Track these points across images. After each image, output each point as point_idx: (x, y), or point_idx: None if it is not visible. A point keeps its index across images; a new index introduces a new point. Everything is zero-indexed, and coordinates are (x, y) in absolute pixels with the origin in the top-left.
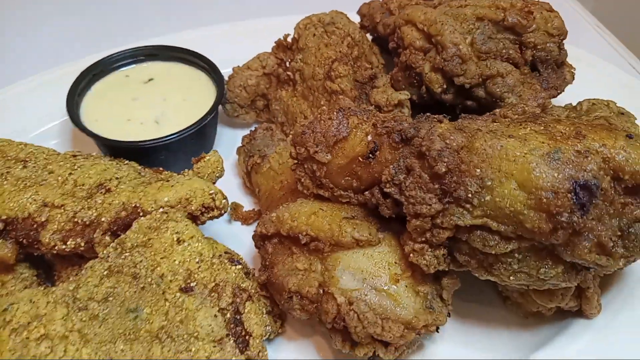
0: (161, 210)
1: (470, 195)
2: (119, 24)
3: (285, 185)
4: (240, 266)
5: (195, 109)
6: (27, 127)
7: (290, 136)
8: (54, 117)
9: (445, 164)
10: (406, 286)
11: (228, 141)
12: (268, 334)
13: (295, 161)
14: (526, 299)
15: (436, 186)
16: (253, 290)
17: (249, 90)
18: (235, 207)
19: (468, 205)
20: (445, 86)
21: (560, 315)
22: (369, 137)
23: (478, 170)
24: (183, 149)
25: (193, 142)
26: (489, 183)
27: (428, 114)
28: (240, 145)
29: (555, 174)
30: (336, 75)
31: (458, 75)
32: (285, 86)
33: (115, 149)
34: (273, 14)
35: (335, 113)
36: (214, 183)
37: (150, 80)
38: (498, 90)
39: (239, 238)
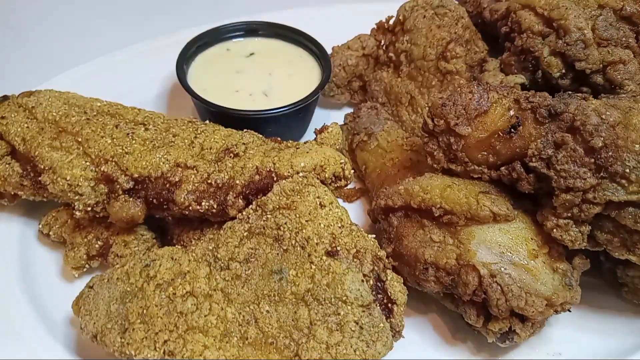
0: (301, 174)
1: (627, 170)
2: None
3: (398, 163)
4: (374, 236)
5: (300, 84)
6: (126, 94)
7: (427, 109)
8: (149, 86)
9: (602, 139)
10: (544, 262)
11: (320, 120)
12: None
13: (427, 135)
14: None
15: (591, 160)
16: (388, 261)
17: (348, 70)
18: None
19: (624, 181)
20: (564, 71)
21: None
22: (511, 112)
23: (637, 145)
24: (289, 123)
25: (300, 117)
26: None
27: (569, 92)
28: (343, 123)
29: None
30: (452, 56)
31: (580, 60)
32: (385, 67)
33: (225, 117)
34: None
35: (475, 87)
36: None
37: (251, 54)
38: (619, 76)
39: None
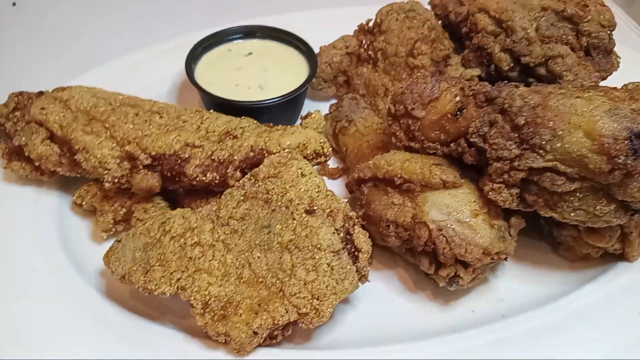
0: (286, 150)
1: (544, 142)
2: (207, 8)
3: (372, 144)
4: (346, 200)
5: (292, 79)
6: (142, 89)
7: (390, 96)
8: (162, 82)
9: (524, 118)
10: (483, 220)
11: (310, 109)
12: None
13: (391, 118)
14: (578, 242)
15: (516, 135)
16: (356, 219)
17: (333, 66)
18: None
19: (541, 151)
20: (512, 65)
21: (605, 260)
22: (457, 98)
23: (551, 122)
24: (281, 111)
25: (290, 107)
26: (560, 133)
27: (506, 81)
28: (328, 112)
29: (615, 125)
30: (418, 53)
31: (524, 55)
32: (365, 64)
33: (227, 107)
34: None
35: (429, 78)
36: None
37: (250, 54)
38: (558, 69)
39: None
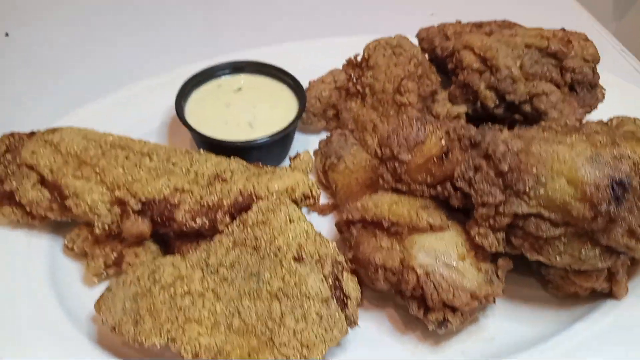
0: (275, 196)
1: (527, 188)
2: (196, 40)
3: (361, 181)
4: (335, 244)
5: (281, 114)
6: (133, 126)
7: (376, 139)
8: (153, 118)
9: (507, 164)
10: (470, 263)
11: (300, 144)
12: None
13: (378, 160)
14: (565, 281)
15: (500, 181)
16: (345, 264)
17: (323, 101)
18: None
19: (525, 197)
20: (497, 102)
21: (593, 297)
22: (443, 142)
23: (534, 169)
24: (271, 149)
25: (280, 144)
26: (543, 179)
27: (489, 123)
28: (317, 148)
29: (597, 173)
30: (405, 90)
31: (509, 93)
32: (354, 98)
33: (217, 147)
34: (334, 34)
35: (414, 121)
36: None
37: (239, 89)
38: (543, 106)
39: (317, 226)
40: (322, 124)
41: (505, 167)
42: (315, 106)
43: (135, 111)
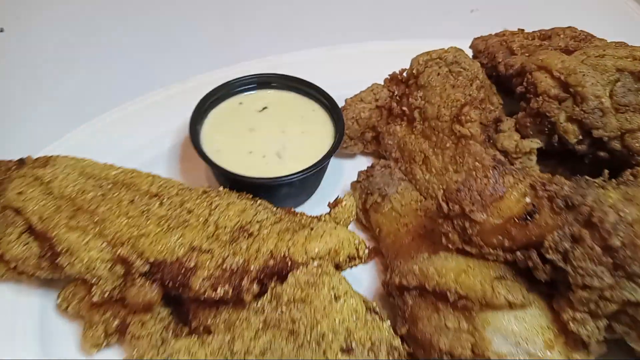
0: (315, 263)
1: None
2: (212, 47)
3: (412, 230)
4: (389, 322)
5: (314, 142)
6: (140, 149)
7: (441, 192)
8: (163, 139)
9: (620, 238)
10: (559, 352)
11: (332, 170)
12: None
13: (442, 217)
14: None
15: (609, 260)
16: (402, 349)
17: (361, 122)
18: None
19: None
20: (580, 137)
21: None
22: (527, 199)
23: None
24: (303, 184)
25: (313, 178)
26: None
27: (586, 177)
28: (356, 180)
29: None
30: (466, 120)
31: (597, 128)
32: (399, 120)
33: (239, 182)
34: (367, 37)
35: (491, 171)
36: (347, 227)
37: (264, 109)
38: (637, 145)
39: (355, 275)
40: (358, 147)
41: (617, 242)
42: (353, 128)
43: (142, 130)
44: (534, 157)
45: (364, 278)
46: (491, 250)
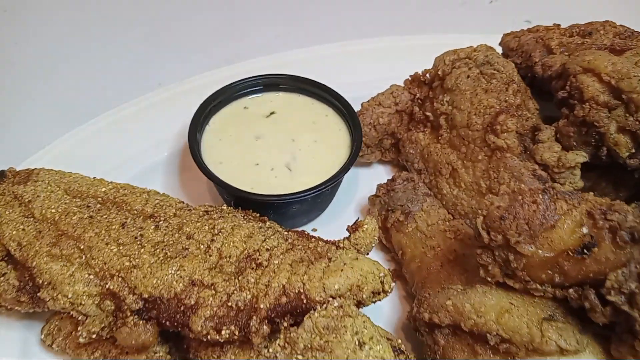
0: (336, 303)
1: None
2: (212, 43)
3: (441, 254)
4: None
5: (327, 152)
6: (132, 159)
7: (481, 219)
8: (156, 149)
9: None
10: None
11: (347, 180)
12: None
13: (480, 248)
14: None
15: None
16: None
17: (379, 129)
18: None
19: None
20: (634, 150)
21: None
22: (584, 230)
23: None
24: (315, 201)
25: (327, 193)
26: None
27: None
28: (374, 194)
29: None
30: (502, 130)
31: None
32: (421, 127)
33: (247, 201)
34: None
35: (540, 196)
36: (368, 253)
37: (271, 114)
38: None
39: None
40: (375, 155)
41: None
42: (370, 135)
43: (137, 135)
44: (579, 172)
45: (384, 304)
46: (539, 286)
